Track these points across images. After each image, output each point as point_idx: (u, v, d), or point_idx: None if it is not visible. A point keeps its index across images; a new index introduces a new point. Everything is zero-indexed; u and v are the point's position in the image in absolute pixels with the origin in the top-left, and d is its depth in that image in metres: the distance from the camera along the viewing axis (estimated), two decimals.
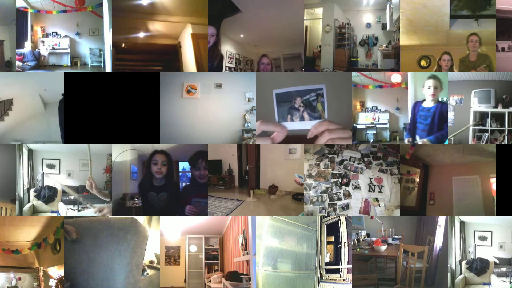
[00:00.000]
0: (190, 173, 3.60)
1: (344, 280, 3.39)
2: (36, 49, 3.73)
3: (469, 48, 3.57)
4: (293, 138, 3.47)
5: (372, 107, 4.01)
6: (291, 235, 3.50)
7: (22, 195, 3.55)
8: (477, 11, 3.51)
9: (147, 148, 3.54)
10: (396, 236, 4.11)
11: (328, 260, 3.58)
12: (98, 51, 3.72)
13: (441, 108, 3.44)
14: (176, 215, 3.47)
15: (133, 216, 3.28)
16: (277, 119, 3.19)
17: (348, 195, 3.46)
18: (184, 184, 3.68)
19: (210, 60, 3.51)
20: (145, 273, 3.65)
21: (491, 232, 3.67)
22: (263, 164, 4.63)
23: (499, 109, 3.58)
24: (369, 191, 3.42)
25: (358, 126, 3.90)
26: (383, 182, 3.43)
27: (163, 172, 3.44)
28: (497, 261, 3.55)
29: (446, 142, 3.44)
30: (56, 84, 3.39)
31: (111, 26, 3.45)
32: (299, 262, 3.52)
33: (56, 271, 3.39)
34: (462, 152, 3.54)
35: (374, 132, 4.00)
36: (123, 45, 3.52)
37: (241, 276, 4.08)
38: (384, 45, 3.81)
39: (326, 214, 3.42)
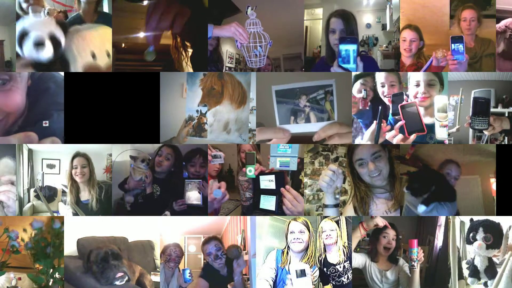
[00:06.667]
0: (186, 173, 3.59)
1: None
2: None
3: (463, 31, 3.02)
4: (293, 138, 3.47)
5: None
6: None
7: (22, 195, 3.55)
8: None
9: (147, 148, 3.54)
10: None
11: None
12: None
13: None
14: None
15: None
16: (277, 122, 3.15)
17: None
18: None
19: (210, 66, 3.53)
20: None
21: None
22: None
23: (499, 109, 3.58)
24: None
25: None
26: None
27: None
28: None
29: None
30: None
31: (112, 26, 3.45)
32: None
33: None
34: (462, 152, 3.54)
35: None
36: (123, 45, 3.52)
37: None
38: (384, 45, 3.81)
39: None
